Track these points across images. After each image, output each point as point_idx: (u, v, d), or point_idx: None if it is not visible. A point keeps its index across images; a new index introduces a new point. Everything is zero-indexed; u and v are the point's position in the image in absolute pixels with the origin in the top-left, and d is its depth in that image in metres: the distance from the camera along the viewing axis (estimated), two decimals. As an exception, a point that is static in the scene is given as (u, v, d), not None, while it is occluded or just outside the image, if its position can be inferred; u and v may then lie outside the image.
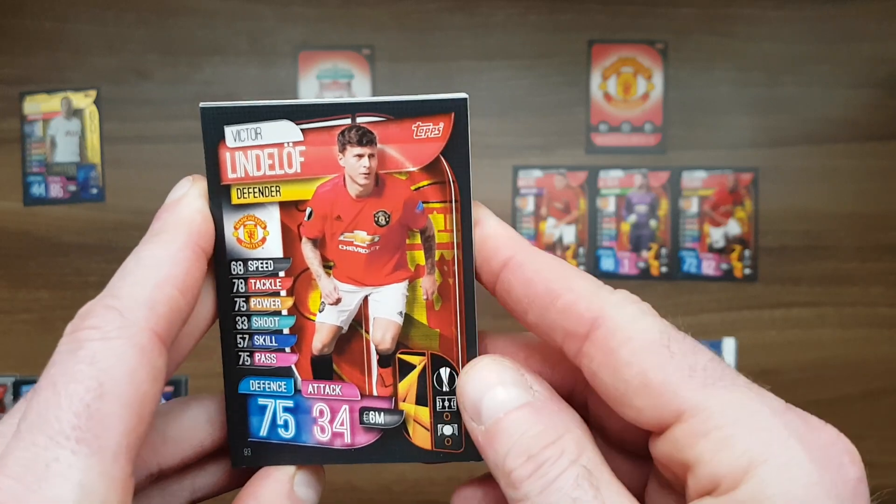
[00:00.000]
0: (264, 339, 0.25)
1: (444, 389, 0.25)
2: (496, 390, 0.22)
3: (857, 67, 0.90)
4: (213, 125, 0.24)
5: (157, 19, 0.91)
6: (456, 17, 0.90)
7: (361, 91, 0.91)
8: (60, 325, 0.84)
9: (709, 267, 0.90)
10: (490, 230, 0.24)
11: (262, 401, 0.25)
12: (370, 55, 0.91)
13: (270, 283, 0.25)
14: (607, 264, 0.90)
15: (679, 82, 0.91)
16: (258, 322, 0.25)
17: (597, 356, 0.21)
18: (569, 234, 0.90)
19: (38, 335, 0.91)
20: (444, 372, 0.25)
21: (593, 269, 0.90)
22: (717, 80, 0.90)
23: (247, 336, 0.25)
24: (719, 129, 0.91)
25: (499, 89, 0.91)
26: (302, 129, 0.24)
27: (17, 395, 0.90)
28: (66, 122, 0.92)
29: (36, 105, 0.92)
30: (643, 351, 0.21)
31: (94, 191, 0.92)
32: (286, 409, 0.25)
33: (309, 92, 0.91)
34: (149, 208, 0.94)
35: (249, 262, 0.25)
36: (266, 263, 0.25)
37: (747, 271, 0.90)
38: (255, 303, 0.25)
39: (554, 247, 0.90)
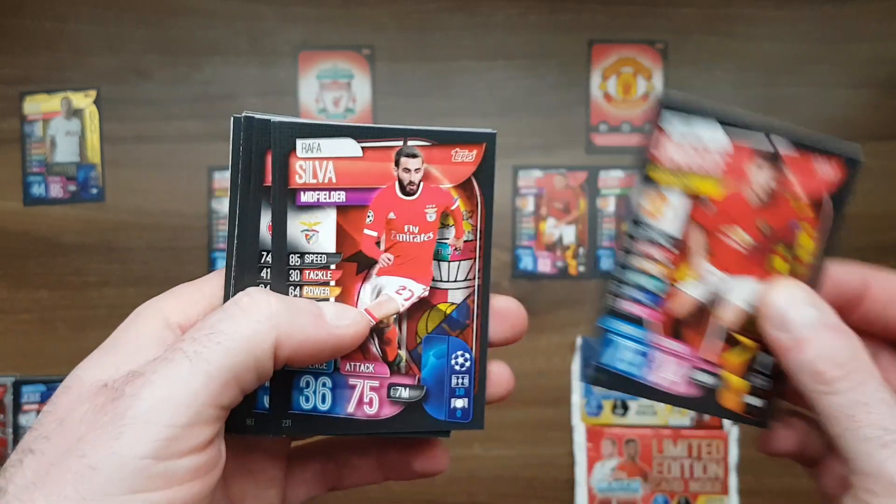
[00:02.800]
0: None
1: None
2: (806, 308, 0.28)
3: (856, 67, 0.90)
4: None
5: (157, 19, 0.91)
6: (456, 17, 0.90)
7: (361, 90, 0.91)
8: (60, 325, 0.85)
9: (709, 267, 0.90)
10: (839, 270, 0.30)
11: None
12: (370, 55, 0.91)
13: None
14: (607, 264, 0.90)
15: (679, 82, 0.91)
16: None
17: None
18: (569, 234, 0.90)
19: (38, 335, 0.91)
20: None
21: (593, 269, 0.90)
22: (717, 80, 0.91)
23: None
24: (719, 129, 0.91)
25: (499, 89, 0.91)
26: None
27: (17, 395, 0.90)
28: (66, 122, 0.92)
29: (36, 105, 0.92)
30: None
31: (94, 191, 0.92)
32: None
33: (309, 92, 0.91)
34: (148, 208, 0.94)
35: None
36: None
37: (747, 271, 0.90)
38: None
39: (554, 247, 0.91)
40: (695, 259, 0.30)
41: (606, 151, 0.91)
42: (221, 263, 0.90)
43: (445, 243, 0.30)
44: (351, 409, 0.30)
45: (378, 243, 0.30)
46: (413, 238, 0.30)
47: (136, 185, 0.91)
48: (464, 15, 0.90)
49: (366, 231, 0.29)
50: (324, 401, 0.30)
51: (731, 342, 0.30)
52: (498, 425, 0.88)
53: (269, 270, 0.29)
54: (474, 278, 0.31)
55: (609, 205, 0.90)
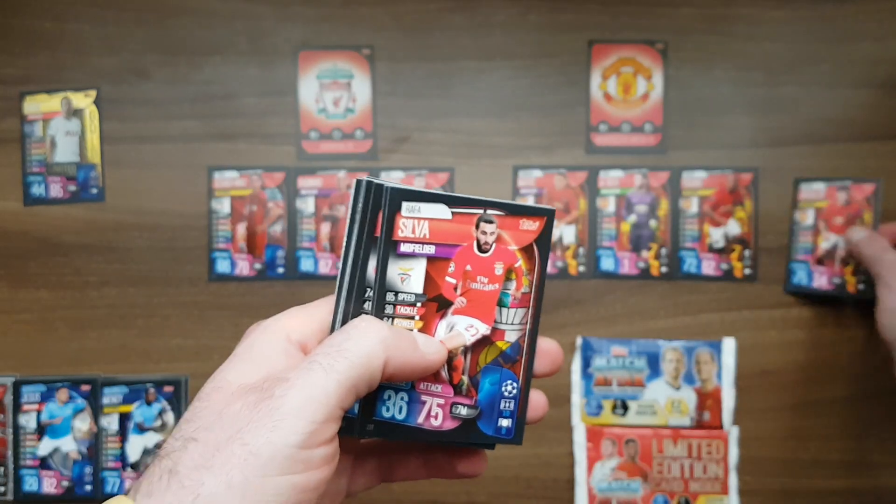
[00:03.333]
0: None
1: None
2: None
3: (857, 67, 0.90)
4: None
5: (157, 19, 0.91)
6: (456, 16, 0.90)
7: (361, 90, 0.91)
8: (60, 326, 0.85)
9: (709, 267, 0.90)
10: None
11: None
12: (370, 55, 0.91)
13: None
14: (607, 264, 0.90)
15: (679, 82, 0.91)
16: None
17: None
18: (569, 234, 0.90)
19: (38, 335, 0.91)
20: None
21: (593, 269, 0.90)
22: (718, 80, 0.91)
23: None
24: (719, 129, 0.91)
25: (499, 89, 0.91)
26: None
27: (17, 396, 0.90)
28: (65, 122, 0.92)
29: (36, 105, 0.92)
30: None
31: (94, 191, 0.92)
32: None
33: (309, 92, 0.91)
34: (149, 208, 0.94)
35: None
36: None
37: (747, 271, 0.90)
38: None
39: (554, 247, 0.90)
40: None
41: (606, 151, 0.91)
42: (221, 263, 0.90)
43: (507, 293, 0.38)
44: (421, 420, 0.37)
45: (455, 289, 0.37)
46: (483, 287, 0.37)
47: (136, 185, 0.91)
48: (464, 15, 0.90)
49: (447, 278, 0.37)
50: (400, 411, 0.37)
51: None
52: (498, 425, 0.88)
53: (370, 303, 0.36)
54: (526, 323, 0.39)
55: (609, 205, 0.90)
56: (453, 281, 0.37)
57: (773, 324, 0.90)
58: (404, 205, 0.35)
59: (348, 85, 0.91)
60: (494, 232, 0.37)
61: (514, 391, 0.38)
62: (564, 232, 0.90)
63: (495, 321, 0.38)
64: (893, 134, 0.89)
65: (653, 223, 0.90)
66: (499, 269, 0.37)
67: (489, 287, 0.38)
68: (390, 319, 0.36)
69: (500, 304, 0.38)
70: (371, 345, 0.32)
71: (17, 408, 0.89)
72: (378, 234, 0.35)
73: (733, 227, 0.90)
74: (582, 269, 0.90)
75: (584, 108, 0.91)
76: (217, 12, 0.91)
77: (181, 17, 0.91)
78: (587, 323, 0.90)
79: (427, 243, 0.36)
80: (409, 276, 0.36)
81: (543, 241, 0.38)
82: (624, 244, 0.90)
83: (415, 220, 0.36)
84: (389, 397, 0.36)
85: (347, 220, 0.36)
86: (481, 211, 0.37)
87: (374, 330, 0.33)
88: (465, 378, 0.38)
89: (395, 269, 0.36)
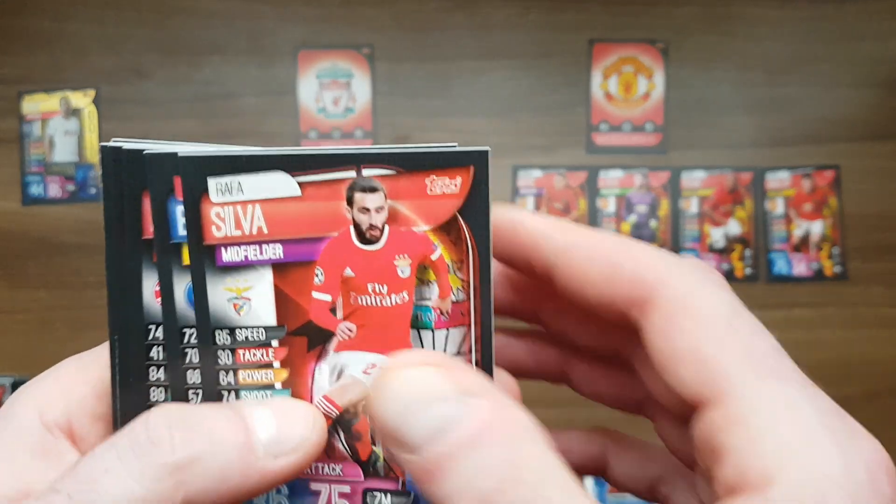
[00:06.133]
0: None
1: None
2: (427, 410, 0.18)
3: (857, 67, 0.90)
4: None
5: (157, 19, 0.91)
6: (456, 16, 0.90)
7: (361, 90, 0.91)
8: (59, 326, 0.85)
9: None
10: (535, 220, 0.23)
11: None
12: (370, 55, 0.90)
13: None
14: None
15: (680, 82, 0.90)
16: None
17: (656, 322, 0.20)
18: (569, 234, 0.90)
19: (37, 335, 0.91)
20: None
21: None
22: (718, 80, 0.90)
23: None
24: (720, 129, 0.90)
25: (499, 89, 0.90)
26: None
27: (15, 396, 0.90)
28: (64, 122, 0.92)
29: (34, 104, 0.92)
30: (703, 320, 0.20)
31: (93, 190, 0.91)
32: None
33: (308, 91, 0.91)
34: (148, 208, 0.92)
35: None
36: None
37: (748, 271, 0.89)
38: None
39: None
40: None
41: (607, 151, 0.90)
42: (221, 263, 0.90)
43: (426, 305, 0.23)
44: None
45: (333, 310, 0.22)
46: (381, 301, 0.22)
47: (135, 185, 0.91)
48: (464, 14, 0.90)
49: (315, 294, 0.22)
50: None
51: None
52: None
53: (160, 349, 0.22)
54: (469, 351, 0.23)
55: (609, 205, 0.90)
56: (326, 297, 0.22)
57: (775, 324, 0.89)
58: (211, 182, 0.21)
59: (348, 84, 0.91)
60: (383, 206, 0.22)
61: None
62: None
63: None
64: (894, 134, 0.89)
65: (653, 223, 0.90)
66: (404, 269, 0.22)
67: (392, 299, 0.22)
68: (229, 374, 0.22)
69: (418, 324, 0.23)
70: (150, 482, 0.19)
71: (16, 408, 0.89)
72: (147, 234, 0.22)
73: (733, 227, 0.90)
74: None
75: (585, 107, 0.91)
76: (217, 12, 0.91)
77: (180, 16, 0.91)
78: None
79: (267, 241, 0.22)
80: (247, 301, 0.22)
81: (475, 208, 0.22)
82: (624, 244, 0.90)
83: (236, 207, 0.21)
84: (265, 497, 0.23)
85: (103, 217, 0.22)
86: (353, 173, 0.21)
87: (160, 445, 0.19)
88: (379, 449, 0.23)
89: (219, 293, 0.22)
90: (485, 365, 0.23)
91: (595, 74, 0.91)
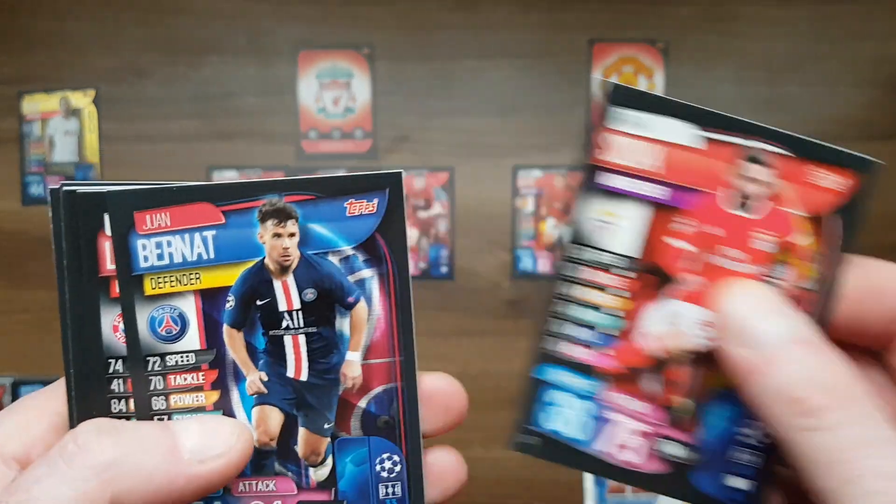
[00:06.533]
0: None
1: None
2: (776, 318, 0.21)
3: (859, 67, 0.90)
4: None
5: (156, 18, 0.91)
6: (456, 15, 0.90)
7: (361, 90, 0.91)
8: (58, 326, 0.84)
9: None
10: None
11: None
12: (370, 54, 0.90)
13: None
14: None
15: (680, 81, 0.90)
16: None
17: None
18: (569, 235, 0.90)
19: (37, 335, 0.91)
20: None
21: (594, 269, 0.90)
22: (718, 79, 0.90)
23: None
24: (720, 129, 0.91)
25: (499, 88, 0.90)
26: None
27: (15, 396, 0.90)
28: (64, 122, 0.92)
29: (34, 104, 0.92)
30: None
31: (93, 190, 0.92)
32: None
33: (308, 91, 0.91)
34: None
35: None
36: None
37: (748, 271, 0.90)
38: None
39: (554, 247, 0.90)
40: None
41: (607, 151, 0.91)
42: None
43: (776, 283, 0.23)
44: (605, 447, 0.24)
45: (685, 259, 0.23)
46: (734, 265, 0.23)
47: (134, 185, 0.91)
48: (464, 14, 0.90)
49: (671, 240, 0.23)
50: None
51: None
52: (498, 426, 0.88)
53: (121, 381, 0.23)
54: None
55: (610, 205, 0.90)
56: (684, 245, 0.23)
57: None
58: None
59: (348, 84, 0.91)
60: (769, 181, 0.22)
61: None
62: (564, 233, 0.90)
63: None
64: (894, 133, 0.89)
65: (653, 223, 0.90)
66: (766, 243, 0.22)
67: (744, 268, 0.23)
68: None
69: None
70: (80, 483, 0.20)
71: (16, 408, 0.89)
72: (104, 271, 0.23)
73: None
74: (582, 269, 0.90)
75: (585, 107, 0.91)
76: (216, 12, 0.91)
77: (180, 16, 0.91)
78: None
79: (651, 179, 0.22)
80: (614, 227, 0.23)
81: (852, 213, 0.22)
82: (624, 244, 0.90)
83: (641, 141, 0.22)
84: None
85: (54, 254, 0.23)
86: (751, 143, 0.22)
87: (88, 453, 0.20)
88: (689, 402, 0.24)
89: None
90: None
91: (595, 74, 0.91)
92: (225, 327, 0.23)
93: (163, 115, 0.91)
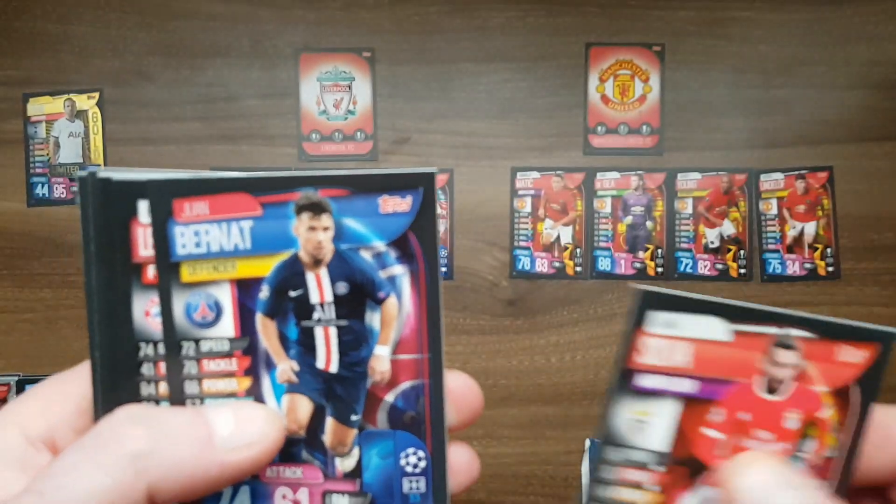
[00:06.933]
0: None
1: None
2: (787, 491, 0.21)
3: (852, 69, 0.91)
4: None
5: (160, 22, 0.92)
6: (455, 20, 0.91)
7: (362, 92, 0.92)
8: (64, 325, 0.86)
9: (704, 267, 0.91)
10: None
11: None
12: (370, 57, 0.91)
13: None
14: (604, 265, 0.91)
15: (676, 84, 0.91)
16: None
17: None
18: (566, 234, 0.91)
19: (42, 335, 0.92)
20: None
21: (590, 269, 0.91)
22: (714, 82, 0.91)
23: None
24: (715, 131, 0.91)
25: (497, 91, 0.91)
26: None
27: (20, 394, 0.91)
28: (69, 124, 0.93)
29: (39, 106, 0.93)
30: None
31: (98, 191, 0.92)
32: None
33: (310, 94, 0.92)
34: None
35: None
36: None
37: (742, 271, 0.91)
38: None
39: (551, 247, 0.91)
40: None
41: (604, 153, 0.92)
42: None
43: (800, 457, 0.24)
44: None
45: (718, 448, 0.24)
46: (763, 447, 0.24)
47: (138, 186, 0.92)
48: (463, 18, 0.91)
49: (706, 431, 0.24)
50: None
51: None
52: (496, 423, 0.89)
53: (151, 365, 0.23)
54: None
55: (606, 206, 0.91)
56: (720, 436, 0.23)
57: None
58: (658, 316, 0.23)
59: (349, 87, 0.92)
60: (796, 363, 0.23)
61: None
62: (562, 232, 0.91)
63: None
64: (888, 135, 0.90)
65: (649, 224, 0.91)
66: (793, 422, 0.23)
67: (772, 447, 0.24)
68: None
69: None
70: (116, 472, 0.20)
71: (22, 406, 0.90)
72: (137, 257, 0.23)
73: (728, 228, 0.91)
74: (579, 269, 0.91)
75: (582, 110, 0.92)
76: (219, 15, 0.92)
77: (184, 19, 0.92)
78: (585, 322, 0.91)
79: (687, 376, 0.23)
80: (646, 425, 0.24)
81: (871, 382, 0.23)
82: (620, 245, 0.91)
83: (670, 341, 0.23)
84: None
85: (83, 240, 0.23)
86: (776, 330, 0.23)
87: (122, 441, 0.20)
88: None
89: (626, 413, 0.23)
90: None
91: (592, 77, 0.92)
92: (259, 316, 0.24)
93: (166, 118, 0.92)
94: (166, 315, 0.23)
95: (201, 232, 0.23)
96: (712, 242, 0.91)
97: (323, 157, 0.92)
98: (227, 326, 0.23)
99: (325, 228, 0.23)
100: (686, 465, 0.24)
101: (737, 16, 0.91)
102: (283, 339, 0.24)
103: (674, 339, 0.23)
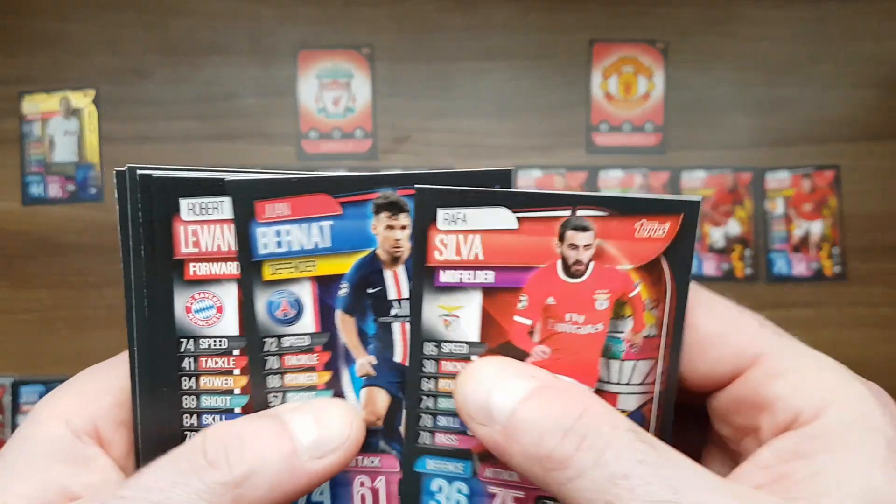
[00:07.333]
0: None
1: None
2: (501, 385, 0.21)
3: (857, 67, 0.90)
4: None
5: (157, 19, 0.91)
6: (456, 16, 0.90)
7: (361, 90, 0.91)
8: (60, 326, 0.85)
9: (710, 267, 0.90)
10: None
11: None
12: (370, 55, 0.90)
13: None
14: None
15: (680, 82, 0.91)
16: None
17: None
18: (569, 234, 0.90)
19: (38, 335, 0.91)
20: None
21: (593, 269, 0.90)
22: (718, 80, 0.91)
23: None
24: (720, 129, 0.91)
25: (499, 89, 0.90)
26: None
27: (15, 396, 0.90)
28: (64, 122, 0.92)
29: (34, 104, 0.92)
30: (720, 310, 0.23)
31: (93, 191, 0.91)
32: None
33: (308, 92, 0.91)
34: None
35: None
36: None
37: (748, 271, 0.90)
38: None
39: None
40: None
41: (607, 151, 0.91)
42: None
43: (618, 338, 0.24)
44: None
45: (531, 333, 0.24)
46: (576, 329, 0.24)
47: (135, 185, 0.91)
48: (464, 14, 0.90)
49: (517, 318, 0.24)
50: None
51: None
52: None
53: (192, 360, 0.24)
54: (654, 382, 0.24)
55: (609, 205, 0.90)
56: (527, 321, 0.24)
57: (776, 323, 0.89)
58: (440, 213, 0.23)
59: (348, 85, 0.91)
60: (591, 244, 0.23)
61: None
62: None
63: (601, 380, 0.24)
64: (893, 134, 0.89)
65: (653, 223, 0.90)
66: (602, 302, 0.24)
67: (586, 329, 0.24)
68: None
69: (608, 354, 0.24)
70: (211, 497, 0.20)
71: (16, 408, 0.89)
72: (178, 253, 0.23)
73: (733, 227, 0.90)
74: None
75: (585, 107, 0.91)
76: (217, 12, 0.91)
77: (181, 17, 0.91)
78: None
79: (481, 268, 0.24)
80: (456, 319, 0.24)
81: (680, 253, 0.23)
82: (624, 244, 0.90)
83: (458, 235, 0.23)
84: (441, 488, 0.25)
85: (119, 236, 0.23)
86: (564, 213, 0.23)
87: (216, 472, 0.21)
88: None
89: (435, 310, 0.24)
90: (667, 396, 0.24)
91: (595, 75, 0.91)
92: (338, 312, 0.24)
93: (163, 116, 0.91)
94: (248, 312, 0.24)
95: (282, 232, 0.24)
96: (717, 242, 0.90)
97: (322, 156, 0.91)
98: (308, 323, 0.24)
99: (403, 227, 0.24)
100: (504, 352, 0.24)
101: (742, 13, 0.90)
102: (362, 335, 0.25)
103: (465, 233, 0.23)
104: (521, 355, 0.24)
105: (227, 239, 0.24)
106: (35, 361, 0.91)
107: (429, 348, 0.24)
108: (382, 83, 0.91)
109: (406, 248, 0.24)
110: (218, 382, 0.24)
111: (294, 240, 0.24)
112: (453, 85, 0.91)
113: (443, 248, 0.24)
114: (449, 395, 0.24)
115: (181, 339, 0.24)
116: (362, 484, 0.25)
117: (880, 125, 0.89)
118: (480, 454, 0.25)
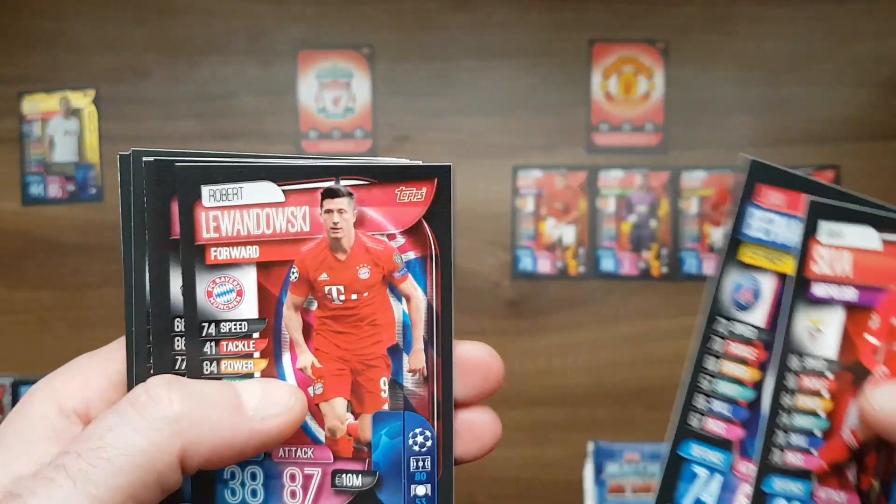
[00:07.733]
0: None
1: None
2: None
3: (858, 67, 0.90)
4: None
5: (156, 19, 0.91)
6: (456, 16, 0.90)
7: (361, 90, 0.91)
8: (59, 326, 0.85)
9: (710, 267, 0.90)
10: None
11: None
12: (370, 54, 0.90)
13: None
14: (607, 264, 0.90)
15: (680, 82, 0.90)
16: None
17: None
18: (569, 234, 0.90)
19: (37, 335, 0.91)
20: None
21: (593, 269, 0.90)
22: (719, 80, 0.90)
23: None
24: (720, 129, 0.90)
25: (499, 89, 0.90)
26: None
27: (15, 396, 0.90)
28: (64, 122, 0.92)
29: (34, 105, 0.92)
30: None
31: (93, 190, 0.91)
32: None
33: (308, 91, 0.91)
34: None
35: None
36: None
37: (748, 271, 0.90)
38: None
39: (554, 247, 0.90)
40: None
41: (607, 151, 0.90)
42: (220, 263, 0.90)
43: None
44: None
45: (876, 353, 0.25)
46: (342, 298, 0.25)
47: (134, 185, 0.91)
48: (464, 14, 0.90)
49: (870, 338, 0.25)
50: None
51: None
52: (498, 426, 0.88)
53: (182, 339, 0.24)
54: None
55: (609, 205, 0.90)
56: (877, 342, 0.25)
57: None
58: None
59: (348, 84, 0.91)
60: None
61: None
62: (564, 232, 0.90)
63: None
64: (893, 134, 0.89)
65: (653, 223, 0.90)
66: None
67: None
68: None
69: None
70: (152, 432, 0.21)
71: (16, 408, 0.89)
72: (174, 234, 0.24)
73: (734, 227, 0.90)
74: (582, 269, 0.90)
75: (585, 107, 0.91)
76: (216, 12, 0.91)
77: (180, 16, 0.91)
78: (589, 324, 0.89)
79: (849, 284, 0.25)
80: (820, 332, 0.25)
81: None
82: (624, 244, 0.90)
83: (837, 251, 0.25)
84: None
85: (121, 219, 0.25)
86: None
87: (159, 405, 0.21)
88: (877, 483, 0.26)
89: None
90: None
91: (595, 74, 0.90)
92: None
93: (163, 115, 0.91)
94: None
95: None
96: (717, 242, 0.89)
97: (321, 156, 0.91)
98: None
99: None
100: (851, 371, 0.25)
101: (742, 12, 0.90)
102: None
103: (839, 249, 0.25)
104: (866, 375, 0.25)
105: (246, 224, 0.24)
106: (34, 361, 0.91)
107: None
108: (382, 83, 0.91)
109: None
110: (238, 366, 0.25)
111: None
112: (453, 84, 0.90)
113: (819, 260, 0.25)
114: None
115: (202, 324, 0.24)
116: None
117: (881, 125, 0.89)
118: (820, 475, 0.25)
